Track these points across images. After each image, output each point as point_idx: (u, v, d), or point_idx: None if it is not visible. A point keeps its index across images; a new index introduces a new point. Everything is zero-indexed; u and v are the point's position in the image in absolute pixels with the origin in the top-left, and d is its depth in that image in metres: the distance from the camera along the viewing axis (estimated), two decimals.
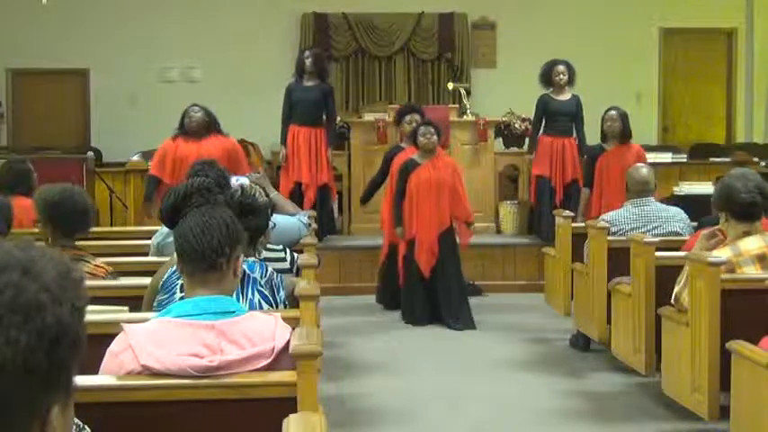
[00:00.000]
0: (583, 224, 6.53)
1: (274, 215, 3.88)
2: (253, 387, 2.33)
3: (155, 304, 3.22)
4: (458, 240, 7.47)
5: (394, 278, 7.54)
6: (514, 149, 9.89)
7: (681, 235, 5.74)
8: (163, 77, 11.87)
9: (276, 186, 7.32)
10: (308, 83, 8.66)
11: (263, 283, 3.26)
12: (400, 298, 7.48)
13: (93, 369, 2.33)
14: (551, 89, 8.68)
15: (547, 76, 8.66)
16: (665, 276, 4.87)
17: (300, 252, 4.60)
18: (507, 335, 6.95)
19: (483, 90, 11.66)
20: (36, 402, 1.10)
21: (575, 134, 8.75)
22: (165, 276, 3.26)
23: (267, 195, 4.11)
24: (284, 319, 2.54)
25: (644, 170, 6.10)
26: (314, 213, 6.38)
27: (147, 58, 11.73)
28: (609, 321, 5.68)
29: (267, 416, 2.22)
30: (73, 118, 12.08)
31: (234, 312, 2.43)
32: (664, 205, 6.18)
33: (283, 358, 2.38)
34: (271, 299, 3.24)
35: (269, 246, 3.87)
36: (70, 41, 11.64)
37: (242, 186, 3.59)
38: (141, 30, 11.71)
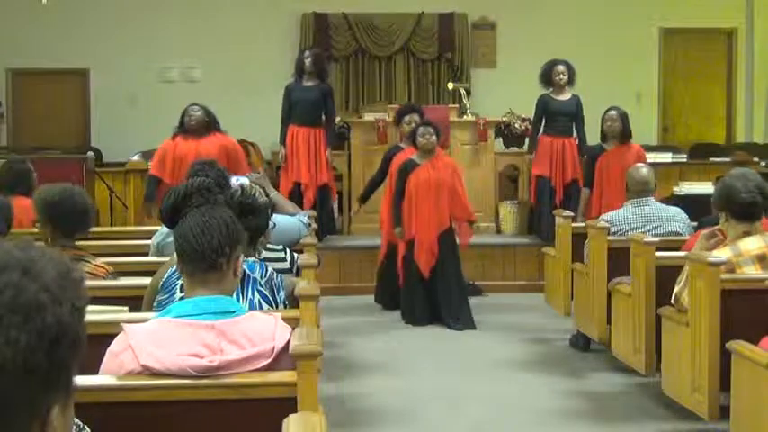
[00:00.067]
0: (583, 224, 6.53)
1: (274, 215, 3.88)
2: (253, 387, 2.32)
3: (155, 304, 3.22)
4: (457, 241, 7.47)
5: (393, 278, 7.53)
6: (514, 149, 9.89)
7: (681, 235, 5.74)
8: (163, 77, 11.87)
9: (276, 186, 7.32)
10: (308, 83, 8.65)
11: (263, 283, 3.25)
12: (399, 298, 7.48)
13: (93, 369, 2.33)
14: (551, 89, 8.68)
15: (547, 76, 8.65)
16: (665, 276, 4.87)
17: (300, 252, 4.60)
18: (507, 335, 6.95)
19: (483, 90, 11.66)
20: (36, 402, 1.10)
21: (575, 134, 8.75)
22: (165, 276, 3.26)
23: (267, 195, 4.11)
24: (284, 319, 2.54)
25: (644, 170, 6.10)
26: (314, 213, 6.39)
27: (147, 58, 11.73)
28: (609, 321, 5.68)
29: (267, 416, 2.22)
30: (73, 118, 12.08)
31: (234, 312, 2.43)
32: (664, 205, 6.18)
33: (283, 358, 2.38)
34: (271, 299, 3.24)
35: (269, 246, 3.87)
36: (70, 41, 11.64)
37: (242, 186, 3.59)
38: (141, 30, 11.71)
